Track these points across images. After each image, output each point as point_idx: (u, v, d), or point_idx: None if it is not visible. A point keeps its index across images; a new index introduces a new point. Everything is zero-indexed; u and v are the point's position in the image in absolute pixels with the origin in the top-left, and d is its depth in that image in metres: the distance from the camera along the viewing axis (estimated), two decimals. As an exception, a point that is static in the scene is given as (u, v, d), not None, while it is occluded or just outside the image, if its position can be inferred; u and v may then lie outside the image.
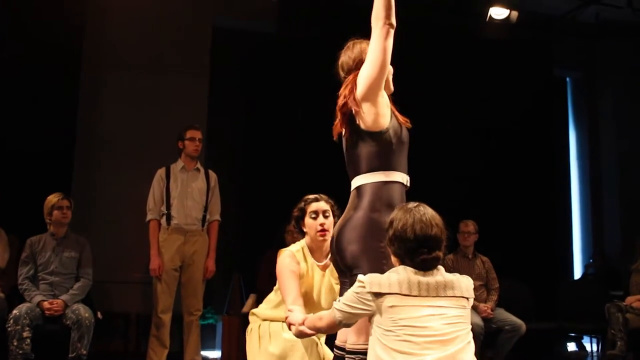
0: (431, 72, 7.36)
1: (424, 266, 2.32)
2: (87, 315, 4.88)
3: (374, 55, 2.70)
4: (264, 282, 5.25)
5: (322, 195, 3.52)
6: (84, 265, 5.24)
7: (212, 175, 5.62)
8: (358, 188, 2.78)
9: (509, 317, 5.97)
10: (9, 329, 4.69)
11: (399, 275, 2.30)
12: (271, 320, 3.49)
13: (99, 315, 5.17)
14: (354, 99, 2.75)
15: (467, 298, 2.36)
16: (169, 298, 5.37)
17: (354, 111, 2.76)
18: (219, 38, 7.12)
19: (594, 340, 7.22)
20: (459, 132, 7.57)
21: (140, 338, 5.88)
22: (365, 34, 2.81)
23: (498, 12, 6.94)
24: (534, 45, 8.09)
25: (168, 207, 5.41)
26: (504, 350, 5.98)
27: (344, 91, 2.82)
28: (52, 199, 5.21)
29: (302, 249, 3.51)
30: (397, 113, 2.87)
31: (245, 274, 6.13)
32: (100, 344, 5.37)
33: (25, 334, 4.69)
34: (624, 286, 6.35)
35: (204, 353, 5.84)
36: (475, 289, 6.18)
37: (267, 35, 7.27)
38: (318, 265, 3.48)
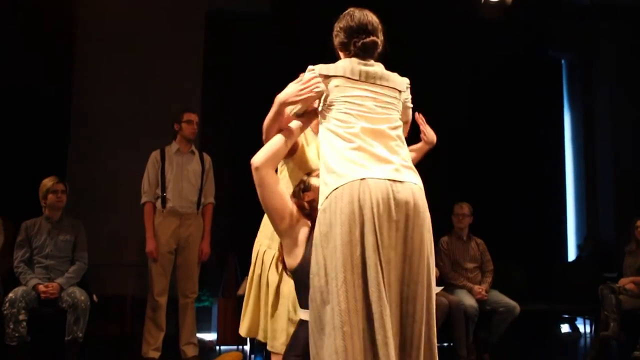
0: (426, 53, 7.34)
1: (365, 50, 2.70)
2: (82, 298, 4.90)
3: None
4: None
5: None
6: (79, 249, 5.25)
7: (207, 158, 5.62)
8: None
9: (503, 298, 6.00)
10: (5, 312, 4.70)
11: (345, 63, 2.68)
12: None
13: (95, 298, 5.18)
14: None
15: (400, 91, 2.74)
16: (165, 280, 5.38)
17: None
18: (213, 19, 7.08)
19: (587, 321, 7.27)
20: (453, 114, 7.55)
21: (136, 321, 5.89)
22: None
23: (493, -7, 6.91)
24: (529, 27, 8.05)
25: (163, 190, 5.40)
26: (498, 332, 6.01)
27: None
28: (47, 182, 5.21)
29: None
30: None
31: (240, 256, 6.13)
32: (96, 327, 5.38)
33: (21, 317, 4.71)
34: (617, 268, 6.39)
35: (199, 335, 5.86)
36: (469, 271, 6.26)
37: (261, 16, 7.23)
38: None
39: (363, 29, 2.71)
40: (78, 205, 5.86)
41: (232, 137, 6.80)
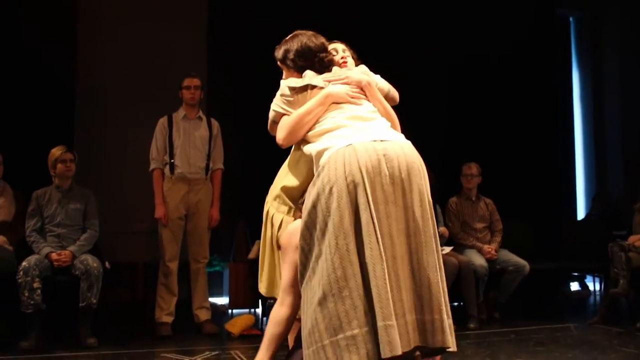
0: (435, 12, 7.28)
1: (322, 65, 2.97)
2: (95, 265, 4.94)
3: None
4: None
5: None
6: (89, 217, 5.28)
7: (215, 123, 5.61)
8: None
9: (513, 257, 6.02)
10: (19, 280, 4.76)
11: (307, 74, 2.92)
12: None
13: (107, 265, 5.22)
14: None
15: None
16: (175, 246, 5.42)
17: None
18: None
19: (597, 279, 7.30)
20: (461, 74, 7.51)
21: (148, 287, 5.95)
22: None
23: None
24: (537, -16, 7.97)
25: (171, 156, 5.41)
26: (508, 291, 6.05)
27: None
28: (56, 152, 5.23)
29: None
30: None
31: (250, 220, 6.16)
32: (109, 293, 5.44)
33: (35, 285, 4.76)
34: (626, 226, 6.39)
35: (211, 299, 5.91)
36: (478, 231, 6.28)
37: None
38: None
39: (320, 49, 3.04)
40: (87, 173, 5.89)
41: (240, 103, 6.78)
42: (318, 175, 2.49)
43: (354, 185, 2.38)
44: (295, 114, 2.78)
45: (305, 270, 2.43)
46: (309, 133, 2.76)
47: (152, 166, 5.44)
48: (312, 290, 2.38)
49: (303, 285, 2.44)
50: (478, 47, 7.53)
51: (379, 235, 2.34)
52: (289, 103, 2.86)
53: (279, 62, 3.10)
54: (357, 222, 2.36)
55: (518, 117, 7.72)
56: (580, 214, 8.35)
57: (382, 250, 2.33)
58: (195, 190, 5.45)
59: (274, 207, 3.27)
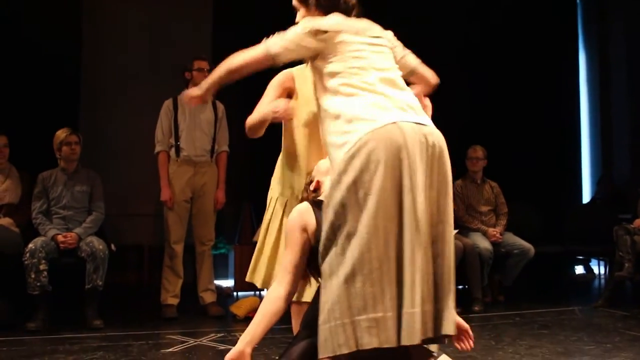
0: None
1: (347, 8, 2.67)
2: (101, 247, 4.96)
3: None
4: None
5: None
6: (95, 199, 5.30)
7: (220, 106, 5.60)
8: None
9: (518, 241, 6.03)
10: (26, 262, 4.78)
11: (337, 18, 2.59)
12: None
13: (113, 247, 5.24)
14: None
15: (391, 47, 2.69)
16: (181, 229, 5.43)
17: None
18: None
19: (602, 262, 7.31)
20: (467, 57, 7.47)
21: (154, 269, 5.98)
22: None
23: None
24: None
25: (177, 138, 5.41)
26: (513, 274, 6.07)
27: None
28: (61, 134, 5.23)
29: (304, 71, 3.32)
30: None
31: (256, 203, 6.17)
32: (115, 276, 5.48)
33: (41, 267, 4.79)
34: (632, 209, 6.38)
35: (216, 282, 5.94)
36: (484, 214, 6.29)
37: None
38: None
39: None
40: (93, 156, 5.89)
41: (245, 85, 6.75)
42: (358, 149, 2.32)
43: (399, 167, 2.32)
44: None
45: (331, 246, 2.36)
46: (328, 77, 2.52)
47: (157, 149, 5.45)
48: (337, 267, 2.31)
49: (326, 260, 2.36)
50: (482, 30, 7.50)
51: (419, 221, 2.33)
52: (313, 42, 2.55)
53: (296, 1, 2.80)
54: (400, 205, 2.33)
55: (524, 100, 7.68)
56: (586, 197, 8.33)
57: (421, 236, 2.30)
58: (200, 172, 5.46)
59: (277, 191, 3.27)
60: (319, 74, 2.57)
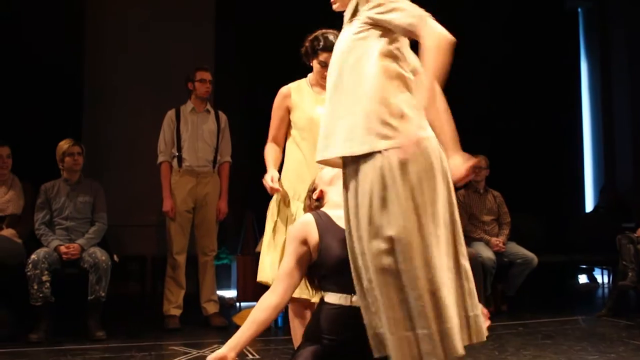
0: (439, 5, 7.23)
1: None
2: (103, 258, 4.96)
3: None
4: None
5: None
6: (98, 210, 5.30)
7: (222, 116, 5.61)
8: None
9: (521, 250, 6.02)
10: (29, 273, 4.77)
11: None
12: None
13: (116, 258, 5.24)
14: None
15: None
16: (183, 239, 5.43)
17: None
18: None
19: (605, 271, 7.29)
20: (468, 66, 7.46)
21: (156, 280, 5.98)
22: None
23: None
24: (544, -24, 7.93)
25: (179, 149, 5.42)
26: (516, 284, 6.05)
27: None
28: (63, 145, 5.24)
29: (300, 83, 3.50)
30: None
31: (258, 213, 6.15)
32: (118, 286, 5.46)
33: (44, 278, 4.78)
34: (635, 218, 6.37)
35: (219, 292, 5.93)
36: (486, 224, 6.26)
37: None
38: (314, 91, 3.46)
39: None
40: (95, 167, 5.91)
41: (248, 96, 6.78)
42: (417, 156, 2.24)
43: (447, 178, 2.33)
44: None
45: (393, 260, 2.23)
46: (389, 56, 2.39)
47: (160, 159, 5.45)
48: (411, 278, 2.20)
49: (387, 273, 2.23)
50: (485, 39, 7.50)
51: (460, 229, 2.36)
52: None
53: None
54: (452, 217, 2.34)
55: (526, 109, 7.70)
56: (589, 206, 8.33)
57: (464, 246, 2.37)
58: (203, 183, 5.46)
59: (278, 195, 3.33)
60: (379, 44, 2.40)
